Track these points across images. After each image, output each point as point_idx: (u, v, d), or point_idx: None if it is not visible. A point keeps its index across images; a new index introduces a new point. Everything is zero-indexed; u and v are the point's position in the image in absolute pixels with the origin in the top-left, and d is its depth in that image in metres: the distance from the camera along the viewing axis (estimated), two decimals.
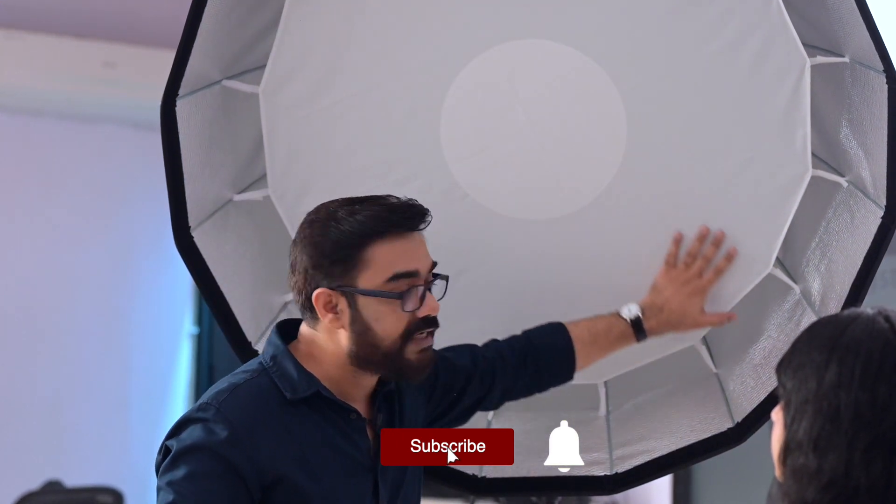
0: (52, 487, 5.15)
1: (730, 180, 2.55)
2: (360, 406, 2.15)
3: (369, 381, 2.15)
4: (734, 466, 4.09)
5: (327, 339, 2.11)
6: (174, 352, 6.06)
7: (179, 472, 1.95)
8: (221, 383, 2.06)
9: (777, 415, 1.55)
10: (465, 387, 2.39)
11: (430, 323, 2.13)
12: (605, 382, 2.75)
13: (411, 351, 2.10)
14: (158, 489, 1.97)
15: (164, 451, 2.00)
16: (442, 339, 2.69)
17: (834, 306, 2.44)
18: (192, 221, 2.44)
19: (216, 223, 2.57)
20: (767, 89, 2.48)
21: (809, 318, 2.52)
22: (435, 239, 2.63)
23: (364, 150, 2.61)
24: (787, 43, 2.44)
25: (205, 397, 2.03)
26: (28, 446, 5.59)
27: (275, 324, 2.17)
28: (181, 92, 2.42)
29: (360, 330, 2.08)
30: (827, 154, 2.58)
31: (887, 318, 1.51)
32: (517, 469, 2.65)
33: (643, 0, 2.49)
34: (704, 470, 4.53)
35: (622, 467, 2.63)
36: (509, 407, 2.75)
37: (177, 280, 5.94)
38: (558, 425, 2.68)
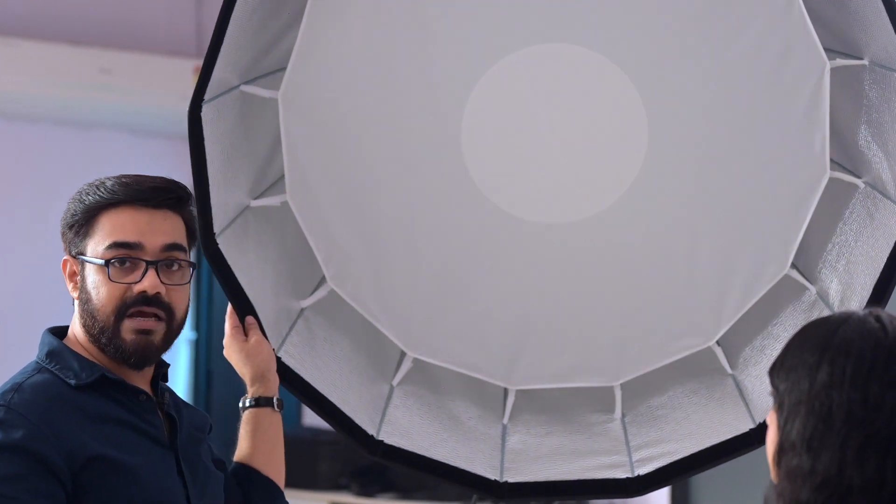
0: None
1: (748, 182, 2.56)
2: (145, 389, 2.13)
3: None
4: (733, 469, 4.09)
5: (77, 318, 2.11)
6: (172, 357, 6.00)
7: None
8: (4, 386, 2.03)
9: (771, 417, 1.55)
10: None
11: (150, 302, 2.06)
12: (621, 385, 2.75)
13: (127, 328, 2.06)
14: None
15: None
16: (457, 348, 2.69)
17: (856, 307, 2.45)
18: (216, 228, 2.43)
19: (236, 229, 2.56)
20: (787, 92, 2.49)
21: None
22: (455, 244, 2.64)
23: (383, 155, 2.60)
24: (807, 46, 2.45)
25: None
26: None
27: (45, 329, 2.15)
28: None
29: (85, 299, 2.08)
30: (843, 156, 2.59)
31: (878, 319, 1.52)
32: (539, 473, 2.65)
33: (666, 5, 2.50)
34: (703, 472, 4.53)
35: (644, 469, 2.62)
36: (525, 410, 2.75)
37: None
38: (574, 429, 2.69)
